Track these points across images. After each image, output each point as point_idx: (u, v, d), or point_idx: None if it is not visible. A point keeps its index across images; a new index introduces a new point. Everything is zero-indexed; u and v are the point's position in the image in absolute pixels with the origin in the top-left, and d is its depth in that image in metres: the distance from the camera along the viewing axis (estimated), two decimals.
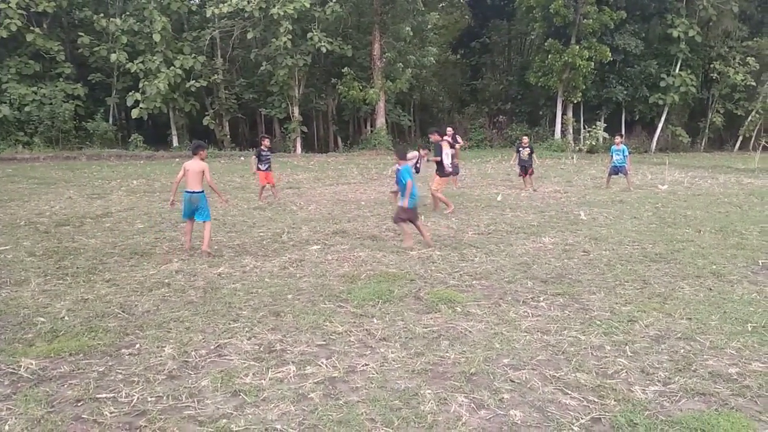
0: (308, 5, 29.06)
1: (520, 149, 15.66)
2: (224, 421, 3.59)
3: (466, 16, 44.38)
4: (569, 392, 4.00)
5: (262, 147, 13.45)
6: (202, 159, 8.25)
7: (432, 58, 33.71)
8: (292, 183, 17.45)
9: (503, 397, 3.91)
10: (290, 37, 29.64)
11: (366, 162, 26.31)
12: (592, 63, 33.48)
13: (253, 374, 4.25)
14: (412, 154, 11.77)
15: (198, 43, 32.26)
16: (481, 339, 4.94)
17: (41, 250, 8.36)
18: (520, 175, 16.15)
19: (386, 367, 4.37)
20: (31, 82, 29.60)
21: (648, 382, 4.16)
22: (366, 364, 4.44)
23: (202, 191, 8.16)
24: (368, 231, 9.80)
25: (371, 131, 34.98)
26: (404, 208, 8.51)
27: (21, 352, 4.67)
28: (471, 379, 4.19)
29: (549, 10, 32.74)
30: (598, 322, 5.32)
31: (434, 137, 11.71)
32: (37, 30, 29.23)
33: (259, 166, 13.39)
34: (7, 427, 3.54)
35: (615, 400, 3.87)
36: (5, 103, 28.31)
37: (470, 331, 5.11)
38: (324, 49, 30.66)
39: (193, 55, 31.16)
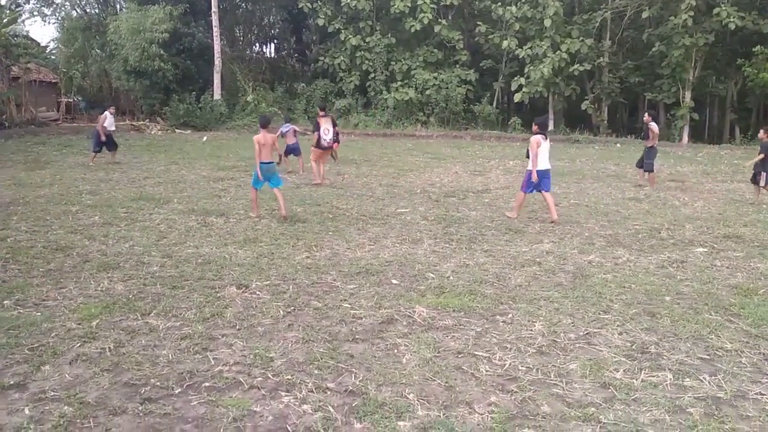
0: None
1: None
2: (592, 409, 3.54)
3: None
4: None
5: None
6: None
7: None
8: (675, 175, 15.82)
9: None
10: (692, 13, 26.68)
11: None
12: None
13: (624, 371, 4.06)
14: None
15: (587, 25, 31.75)
16: None
17: (432, 216, 9.58)
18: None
19: None
20: (433, 68, 33.88)
21: None
22: (761, 393, 3.79)
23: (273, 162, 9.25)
24: None
25: None
26: None
27: (415, 300, 5.48)
28: None
29: None
30: None
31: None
32: (443, 22, 33.18)
33: None
34: (404, 360, 4.21)
35: None
36: (412, 87, 33.19)
37: None
38: (733, 26, 26.63)
39: (581, 38, 30.84)
